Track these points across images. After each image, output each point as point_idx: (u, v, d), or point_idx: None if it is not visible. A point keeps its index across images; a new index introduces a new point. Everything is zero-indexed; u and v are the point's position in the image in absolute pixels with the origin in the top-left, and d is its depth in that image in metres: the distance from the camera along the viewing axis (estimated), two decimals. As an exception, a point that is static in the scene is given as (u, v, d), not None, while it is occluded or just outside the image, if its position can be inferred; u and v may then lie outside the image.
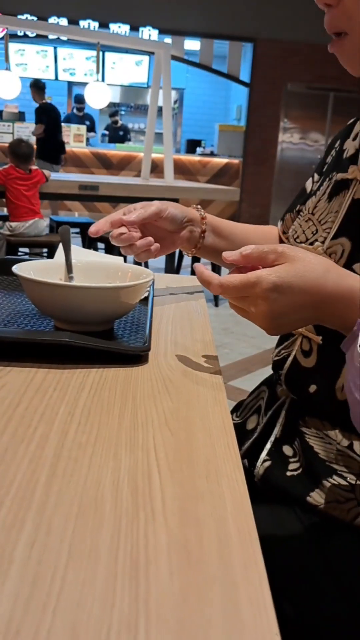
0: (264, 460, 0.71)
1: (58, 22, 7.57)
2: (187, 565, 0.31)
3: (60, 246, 0.82)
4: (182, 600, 0.29)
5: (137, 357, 0.65)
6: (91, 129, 8.66)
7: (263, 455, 0.71)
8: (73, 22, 7.64)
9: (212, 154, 8.82)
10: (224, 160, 8.58)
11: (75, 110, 8.46)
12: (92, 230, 0.77)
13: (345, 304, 0.55)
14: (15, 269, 0.69)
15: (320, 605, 0.58)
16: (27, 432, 0.46)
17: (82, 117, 8.48)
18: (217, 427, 0.49)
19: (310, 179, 0.88)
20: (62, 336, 0.62)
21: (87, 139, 8.37)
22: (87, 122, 8.54)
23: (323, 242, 0.72)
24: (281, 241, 0.95)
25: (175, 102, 10.44)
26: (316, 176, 0.87)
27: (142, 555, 0.32)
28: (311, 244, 0.74)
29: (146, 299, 0.87)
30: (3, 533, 0.32)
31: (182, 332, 0.78)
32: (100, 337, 0.67)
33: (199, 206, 0.88)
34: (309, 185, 0.88)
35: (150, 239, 0.79)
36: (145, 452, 0.43)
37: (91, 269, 0.81)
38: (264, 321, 0.57)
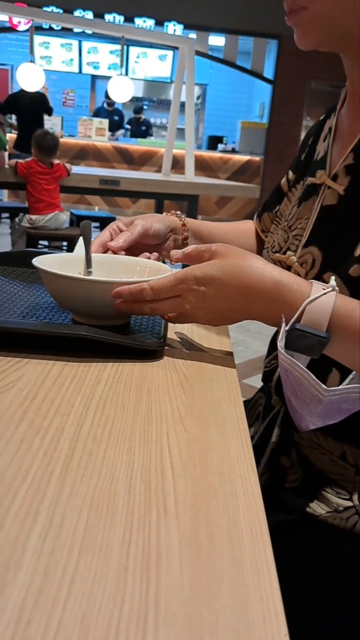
0: (262, 473, 0.70)
1: (83, 16, 7.58)
2: (198, 562, 0.32)
3: (80, 240, 0.82)
4: (192, 596, 0.29)
5: (152, 352, 0.65)
6: (119, 125, 8.61)
7: (261, 467, 0.71)
8: (98, 15, 7.65)
9: (233, 151, 8.79)
10: (245, 158, 8.55)
11: (105, 105, 8.43)
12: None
13: (271, 298, 0.57)
14: (36, 261, 0.70)
15: (324, 611, 0.58)
16: (42, 423, 0.46)
17: (112, 112, 8.46)
18: (231, 425, 0.49)
19: (285, 177, 0.86)
20: (79, 330, 0.62)
21: (113, 134, 8.35)
22: (116, 118, 8.52)
23: (295, 251, 0.71)
24: (259, 238, 0.94)
25: (198, 97, 10.42)
26: (290, 173, 0.84)
27: (153, 551, 0.32)
28: (284, 253, 0.73)
29: None
30: (16, 524, 0.33)
31: (198, 328, 0.78)
32: (117, 332, 0.67)
33: (178, 212, 0.86)
34: (284, 184, 0.86)
35: (148, 254, 0.80)
36: (159, 448, 0.43)
37: (110, 263, 0.81)
38: (200, 312, 0.61)
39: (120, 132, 8.63)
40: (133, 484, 0.38)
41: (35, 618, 0.26)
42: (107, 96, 8.34)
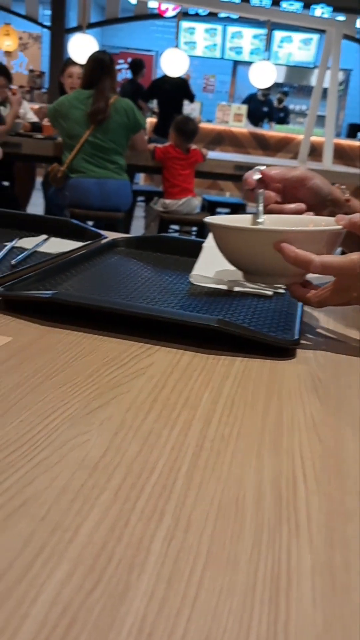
0: None
1: (230, 0, 7.52)
2: (332, 593, 0.29)
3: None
4: (325, 633, 0.26)
5: (284, 350, 0.62)
6: (268, 115, 8.42)
7: None
8: (245, -1, 7.55)
9: (375, 140, 8.35)
10: (387, 147, 8.08)
11: (259, 94, 8.30)
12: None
13: None
14: (208, 219, 0.70)
15: None
16: (171, 415, 0.45)
17: (264, 102, 8.32)
18: (370, 440, 0.45)
19: None
20: (210, 321, 0.61)
21: (268, 122, 8.20)
22: (266, 109, 8.36)
23: None
24: None
25: (341, 83, 10.00)
26: None
27: (283, 573, 0.29)
28: None
29: None
30: (142, 522, 0.32)
31: (335, 325, 0.73)
32: (249, 324, 0.65)
33: (343, 187, 0.79)
34: None
35: (303, 206, 0.74)
36: (291, 457, 0.41)
37: (282, 222, 0.74)
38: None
39: (272, 125, 8.40)
40: (262, 494, 0.36)
41: (157, 631, 0.25)
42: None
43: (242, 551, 0.31)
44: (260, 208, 0.74)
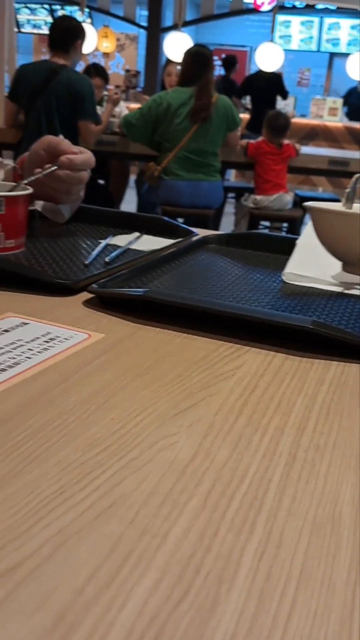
0: None
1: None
2: None
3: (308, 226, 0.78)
4: None
5: (385, 356, 0.58)
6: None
7: None
8: (344, -11, 7.31)
9: None
10: None
11: None
12: None
13: None
14: (308, 203, 0.69)
15: None
16: (262, 421, 0.43)
17: None
18: None
19: None
20: (304, 322, 0.58)
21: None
22: None
23: None
24: None
25: None
26: None
27: (384, 601, 0.27)
28: None
29: None
30: (232, 533, 0.30)
31: None
32: (346, 326, 0.62)
33: None
34: None
35: None
36: (392, 472, 0.38)
37: None
38: None
39: None
40: (361, 512, 0.33)
41: (248, 652, 0.24)
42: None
43: (338, 573, 0.29)
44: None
